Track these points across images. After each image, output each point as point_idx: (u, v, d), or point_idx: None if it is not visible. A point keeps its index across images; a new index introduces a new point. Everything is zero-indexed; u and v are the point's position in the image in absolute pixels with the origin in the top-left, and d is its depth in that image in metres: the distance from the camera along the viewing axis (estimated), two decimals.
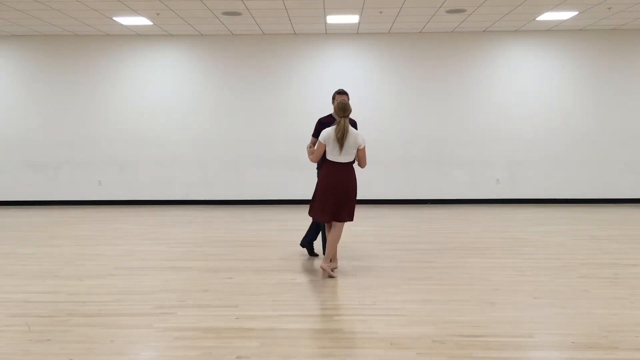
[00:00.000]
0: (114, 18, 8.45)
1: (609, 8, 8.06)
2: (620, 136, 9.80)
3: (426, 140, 9.89)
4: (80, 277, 4.85)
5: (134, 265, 5.32)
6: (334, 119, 5.02)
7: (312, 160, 4.96)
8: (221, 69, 9.92)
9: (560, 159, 9.87)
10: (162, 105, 9.94)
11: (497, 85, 9.84)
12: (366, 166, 4.91)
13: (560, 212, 8.80)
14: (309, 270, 5.04)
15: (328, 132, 4.75)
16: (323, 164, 4.93)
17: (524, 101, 9.82)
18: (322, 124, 5.16)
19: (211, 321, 3.65)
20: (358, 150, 4.78)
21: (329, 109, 10.08)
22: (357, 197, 4.94)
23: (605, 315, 3.73)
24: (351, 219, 4.87)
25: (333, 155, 4.77)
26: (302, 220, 8.27)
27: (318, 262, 5.35)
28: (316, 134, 5.18)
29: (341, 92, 5.24)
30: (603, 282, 4.56)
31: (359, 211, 8.06)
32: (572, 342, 3.25)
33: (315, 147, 4.92)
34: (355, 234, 6.83)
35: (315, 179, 5.32)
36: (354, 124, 5.19)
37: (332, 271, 4.83)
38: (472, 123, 9.88)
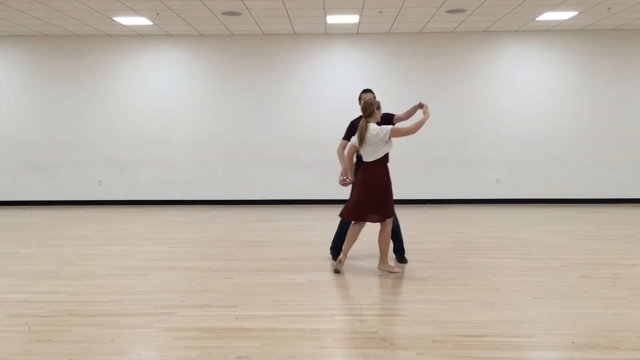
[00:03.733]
0: (114, 18, 8.45)
1: (609, 8, 8.06)
2: (620, 136, 9.79)
3: (426, 140, 9.88)
4: (80, 277, 4.85)
5: (134, 265, 5.32)
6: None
7: (343, 162, 4.97)
8: (221, 69, 9.91)
9: (560, 159, 9.86)
10: (162, 105, 9.94)
11: (497, 85, 9.83)
12: (415, 129, 4.59)
13: (560, 212, 8.80)
14: (309, 270, 5.04)
15: (356, 134, 4.82)
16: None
17: (524, 101, 9.81)
18: (353, 125, 5.13)
19: (211, 321, 3.65)
20: (392, 132, 4.60)
21: (328, 109, 10.20)
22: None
23: (605, 315, 3.73)
24: (382, 220, 4.80)
25: (362, 156, 4.82)
26: (302, 220, 8.29)
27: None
28: (347, 136, 5.16)
29: (366, 91, 5.18)
30: (603, 282, 4.56)
31: None
32: (572, 342, 3.24)
33: (347, 149, 4.94)
34: None
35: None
36: (388, 117, 5.08)
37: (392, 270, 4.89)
38: (472, 123, 9.87)
